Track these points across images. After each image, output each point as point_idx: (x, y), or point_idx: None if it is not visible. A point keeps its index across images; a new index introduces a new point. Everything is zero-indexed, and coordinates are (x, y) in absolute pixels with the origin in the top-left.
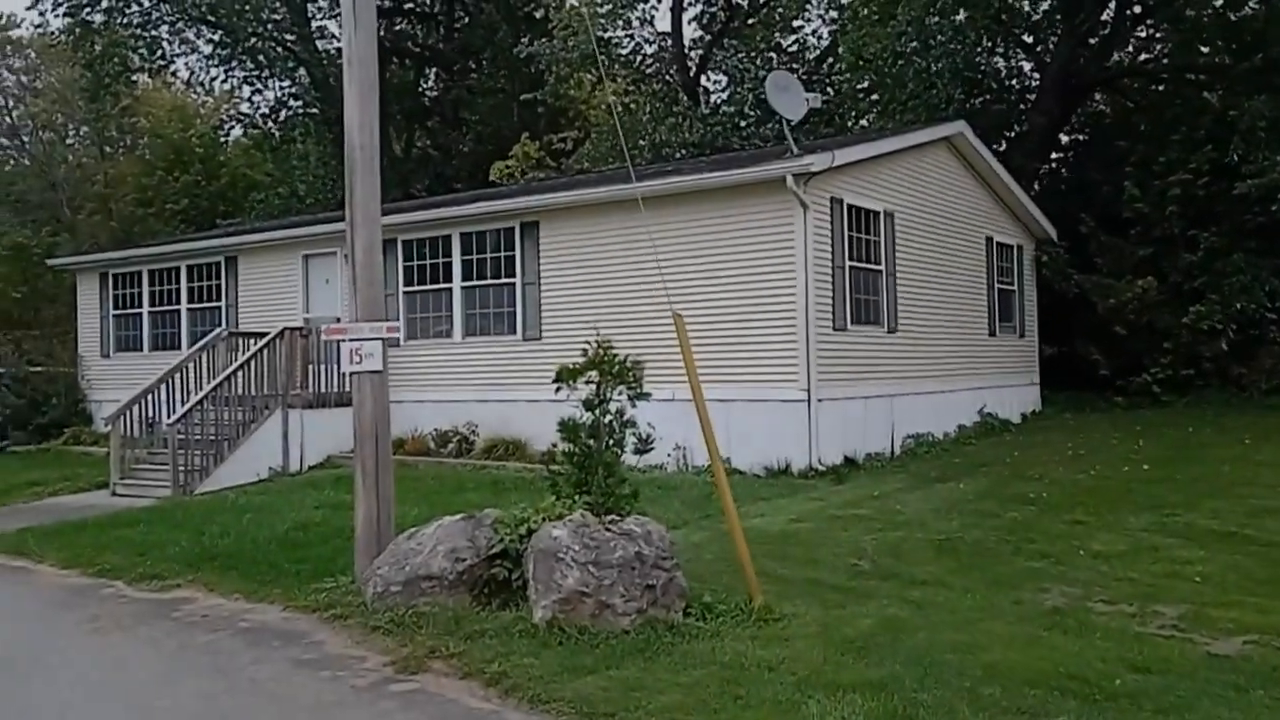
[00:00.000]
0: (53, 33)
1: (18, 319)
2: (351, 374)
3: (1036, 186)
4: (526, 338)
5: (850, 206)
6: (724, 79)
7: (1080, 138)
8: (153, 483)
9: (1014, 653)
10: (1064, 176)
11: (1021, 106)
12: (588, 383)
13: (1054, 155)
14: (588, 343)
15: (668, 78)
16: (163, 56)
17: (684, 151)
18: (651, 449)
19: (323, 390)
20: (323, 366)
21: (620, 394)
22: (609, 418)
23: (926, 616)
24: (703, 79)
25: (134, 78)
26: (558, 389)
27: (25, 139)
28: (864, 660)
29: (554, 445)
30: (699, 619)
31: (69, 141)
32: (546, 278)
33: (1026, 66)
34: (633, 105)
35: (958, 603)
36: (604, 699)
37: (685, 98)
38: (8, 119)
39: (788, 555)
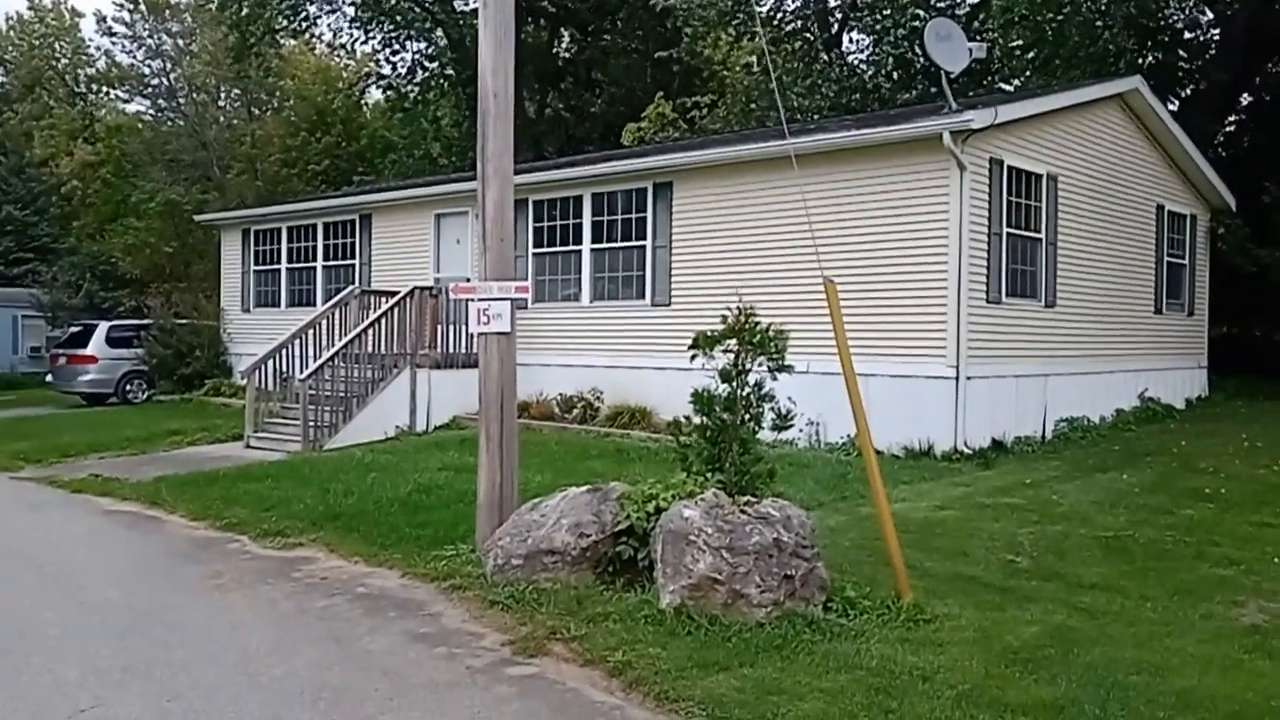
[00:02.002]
0: None
1: (169, 273)
2: (479, 335)
3: (1213, 151)
4: (655, 303)
5: (1010, 168)
6: (865, 39)
7: (1266, 98)
8: (285, 437)
9: (1212, 678)
10: (1245, 141)
11: (1198, 62)
12: (725, 351)
13: (1233, 117)
14: (727, 309)
15: (808, 35)
16: (306, 18)
17: (818, 115)
18: (791, 425)
19: (451, 350)
20: (452, 326)
21: (760, 365)
22: (746, 390)
23: (1101, 628)
24: (844, 39)
25: (279, 39)
26: (692, 357)
27: (180, 100)
28: (1032, 675)
29: (680, 416)
30: (841, 615)
31: (220, 103)
32: (678, 241)
33: (1204, 17)
34: (771, 65)
35: (1136, 613)
36: (737, 701)
37: (825, 57)
38: (165, 81)
39: (933, 546)
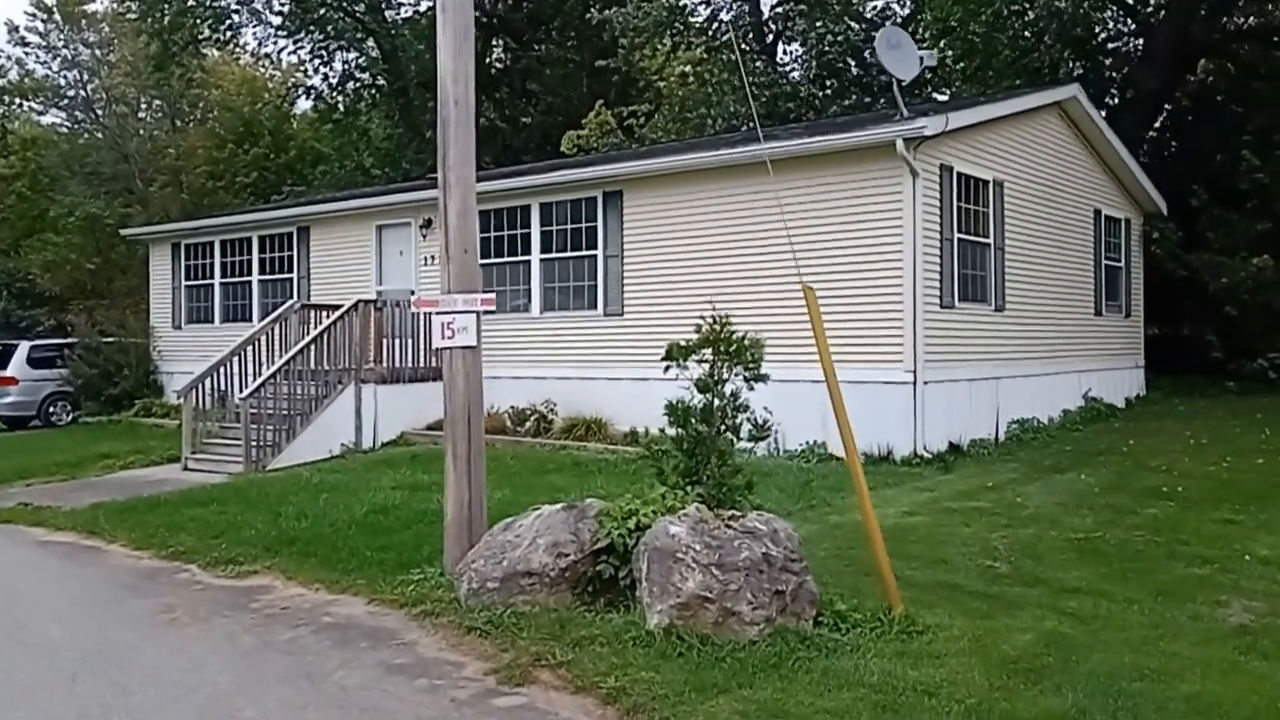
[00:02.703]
0: (124, 2)
1: (91, 289)
2: (443, 350)
3: (1143, 157)
4: (608, 313)
5: (959, 174)
6: (798, 49)
7: (1187, 104)
8: (225, 458)
9: (1214, 682)
10: (1172, 146)
11: (1124, 70)
12: (700, 361)
13: (1158, 124)
14: (681, 317)
15: (743, 47)
16: (230, 27)
17: (750, 124)
18: (768, 435)
19: (397, 365)
20: (397, 341)
21: (736, 375)
22: (722, 401)
23: (1094, 633)
24: (778, 49)
25: (202, 49)
26: (666, 368)
27: (99, 112)
28: (1036, 686)
29: (637, 426)
30: (832, 629)
31: (141, 115)
32: (630, 250)
33: (1126, 29)
34: (706, 75)
35: (1124, 617)
36: None
37: (760, 66)
38: (82, 92)
39: (910, 554)
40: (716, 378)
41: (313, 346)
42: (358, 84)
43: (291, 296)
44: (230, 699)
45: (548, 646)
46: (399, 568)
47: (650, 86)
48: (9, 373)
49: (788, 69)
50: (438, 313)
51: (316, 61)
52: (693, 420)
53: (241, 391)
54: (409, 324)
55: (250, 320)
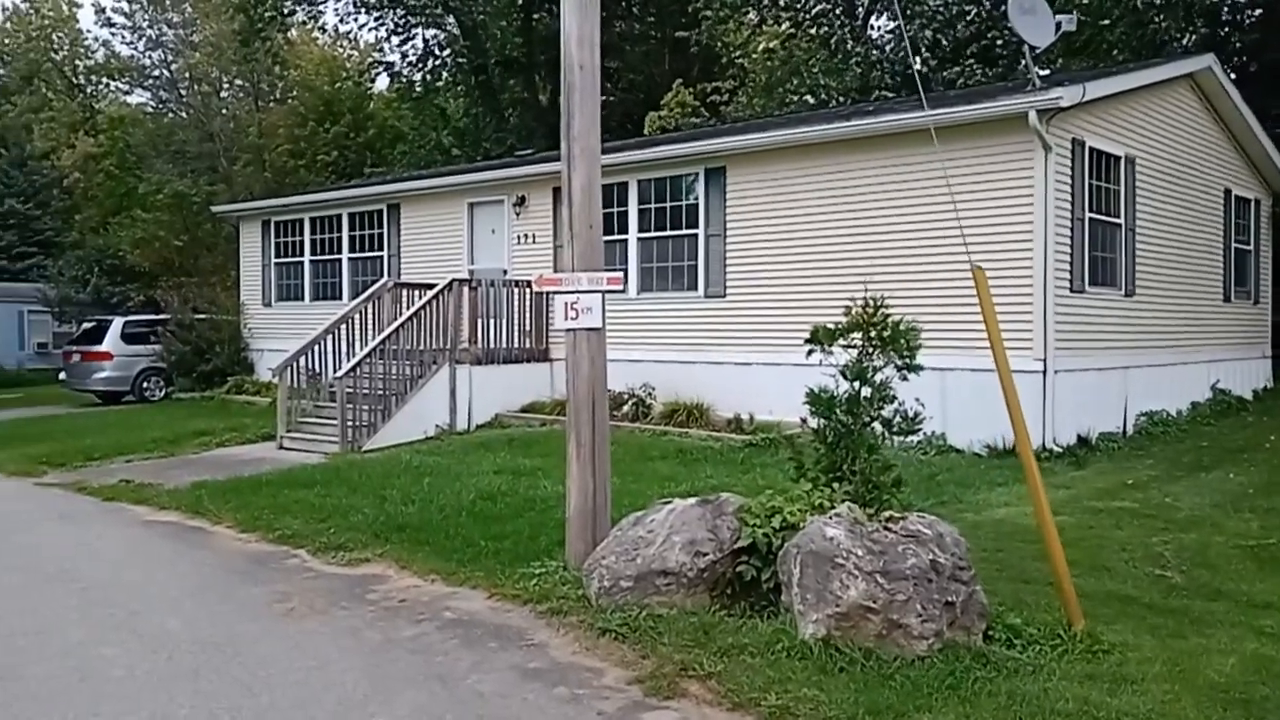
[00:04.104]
0: None
1: (178, 266)
2: (566, 331)
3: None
4: (709, 294)
5: (1092, 150)
6: (891, 23)
7: None
8: (320, 437)
9: None
10: None
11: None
12: (847, 347)
13: None
14: (786, 300)
15: (833, 18)
16: (313, 1)
17: (842, 99)
18: (919, 429)
19: (491, 346)
20: (492, 321)
21: (886, 362)
22: (870, 390)
23: None
24: (871, 22)
25: (286, 22)
26: (809, 353)
27: (183, 91)
28: None
29: (739, 413)
30: (1005, 645)
31: (223, 94)
32: (733, 229)
33: None
34: (797, 49)
35: None
36: None
37: (851, 40)
38: (166, 72)
39: (1067, 559)
40: (864, 365)
41: (407, 326)
42: (437, 61)
43: (381, 274)
44: (361, 704)
45: (693, 655)
46: (516, 559)
47: (734, 63)
48: (104, 348)
49: (883, 42)
50: (561, 292)
51: (396, 39)
52: (837, 411)
53: (335, 370)
54: (502, 304)
55: (340, 298)
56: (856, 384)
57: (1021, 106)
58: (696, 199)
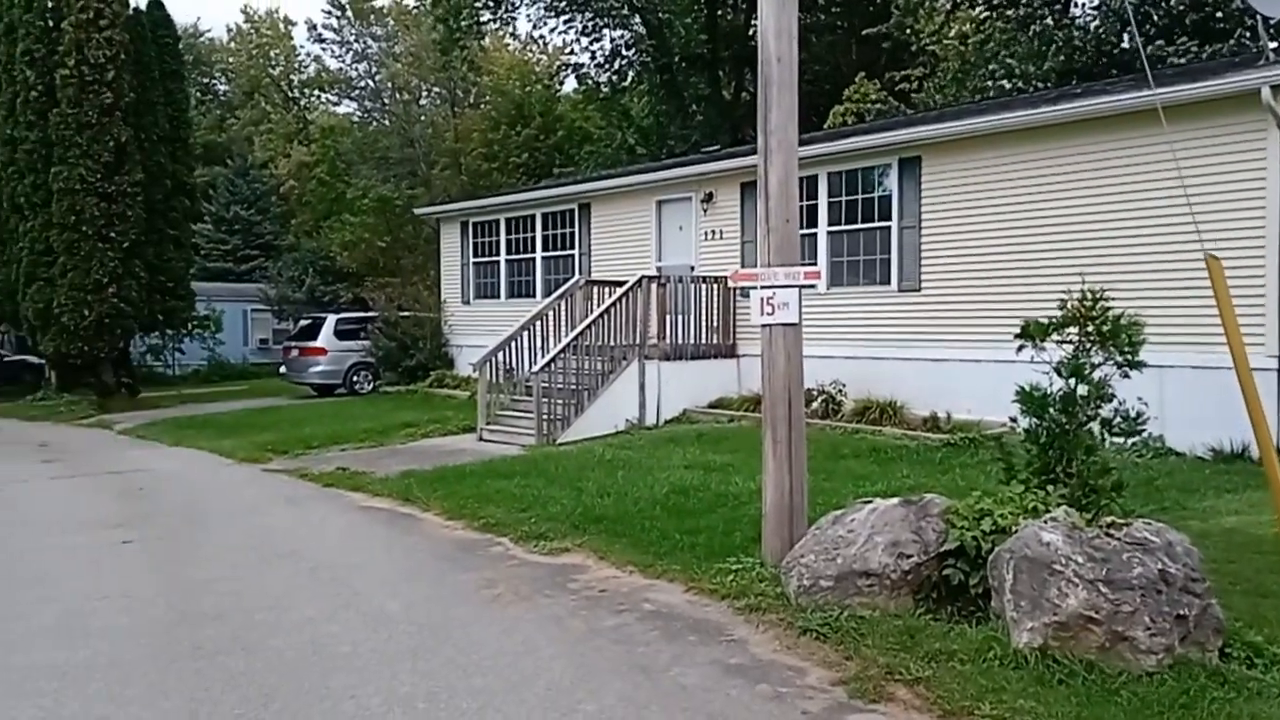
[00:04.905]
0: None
1: (382, 266)
2: (762, 326)
3: None
4: (902, 288)
5: None
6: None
7: None
8: (516, 430)
9: None
10: None
11: None
12: (1061, 342)
13: None
14: (985, 292)
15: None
16: (507, 8)
17: (1041, 84)
18: (1142, 430)
19: (679, 341)
20: (680, 317)
21: (1105, 358)
22: (1087, 388)
23: None
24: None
25: (483, 29)
26: (1020, 347)
27: (386, 100)
28: None
29: (935, 411)
30: (1244, 664)
31: (422, 102)
32: (929, 221)
33: None
34: (993, 34)
35: None
36: None
37: (1050, 20)
38: (371, 83)
39: None
40: (1082, 361)
41: (597, 322)
42: (623, 61)
43: (573, 272)
44: (569, 690)
45: (898, 658)
46: (711, 554)
47: (924, 50)
48: (319, 344)
49: (1086, 20)
50: (759, 287)
51: (585, 40)
52: (1050, 409)
53: (529, 366)
54: (690, 300)
55: (534, 296)
56: (1072, 381)
57: (1253, 82)
58: (889, 190)
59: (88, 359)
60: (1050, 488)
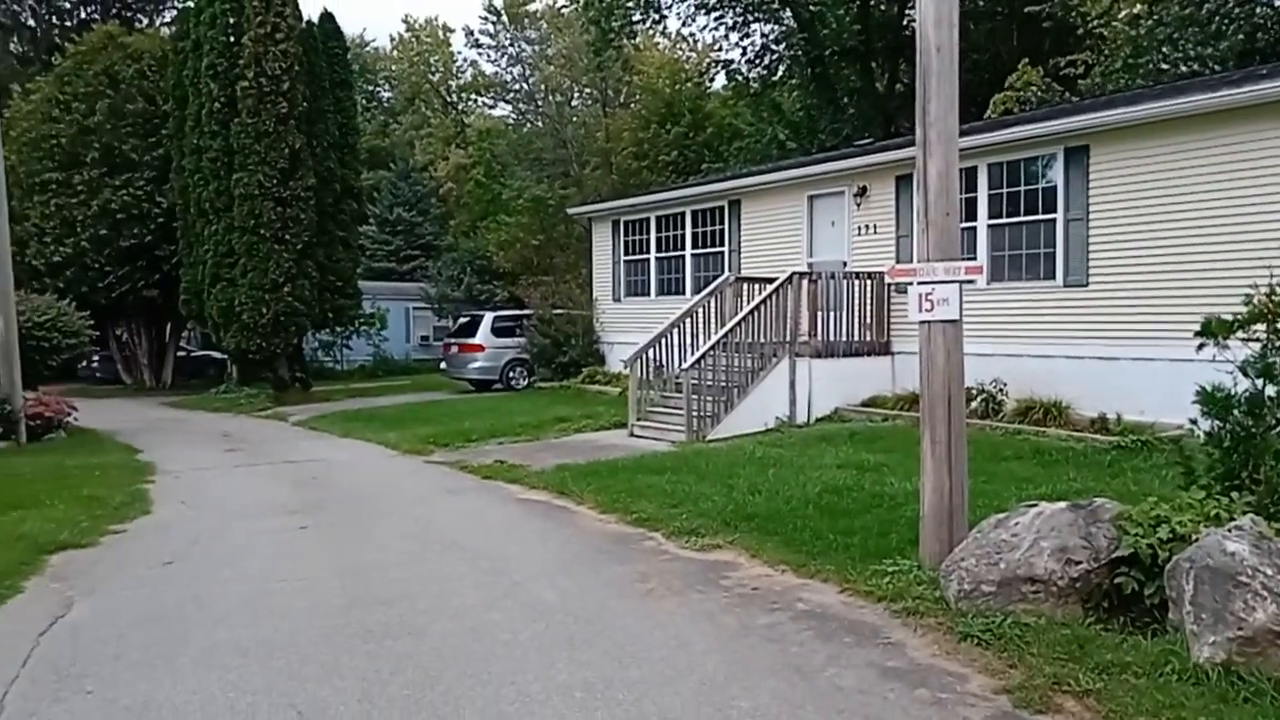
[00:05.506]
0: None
1: (535, 265)
2: (920, 323)
3: None
4: (1068, 283)
5: None
6: None
7: None
8: (666, 426)
9: None
10: None
11: None
12: (1248, 340)
13: None
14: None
15: None
16: (658, 7)
17: (1217, 67)
18: None
19: (831, 339)
20: (831, 314)
21: None
22: (1276, 389)
23: None
24: None
25: (635, 29)
26: (1200, 345)
27: (539, 102)
28: None
29: (1104, 412)
30: None
31: (574, 104)
32: (1097, 213)
33: None
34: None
35: None
36: None
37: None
38: (525, 85)
39: None
40: (1273, 360)
41: (747, 319)
42: (774, 56)
43: (722, 269)
44: (722, 686)
45: (1067, 669)
46: (866, 555)
47: (1091, 34)
48: (477, 340)
49: None
50: (917, 283)
51: (734, 36)
52: (1235, 411)
53: (679, 363)
54: (842, 296)
55: (683, 293)
56: (1260, 382)
57: None
58: (1054, 182)
59: (265, 354)
60: (1234, 495)
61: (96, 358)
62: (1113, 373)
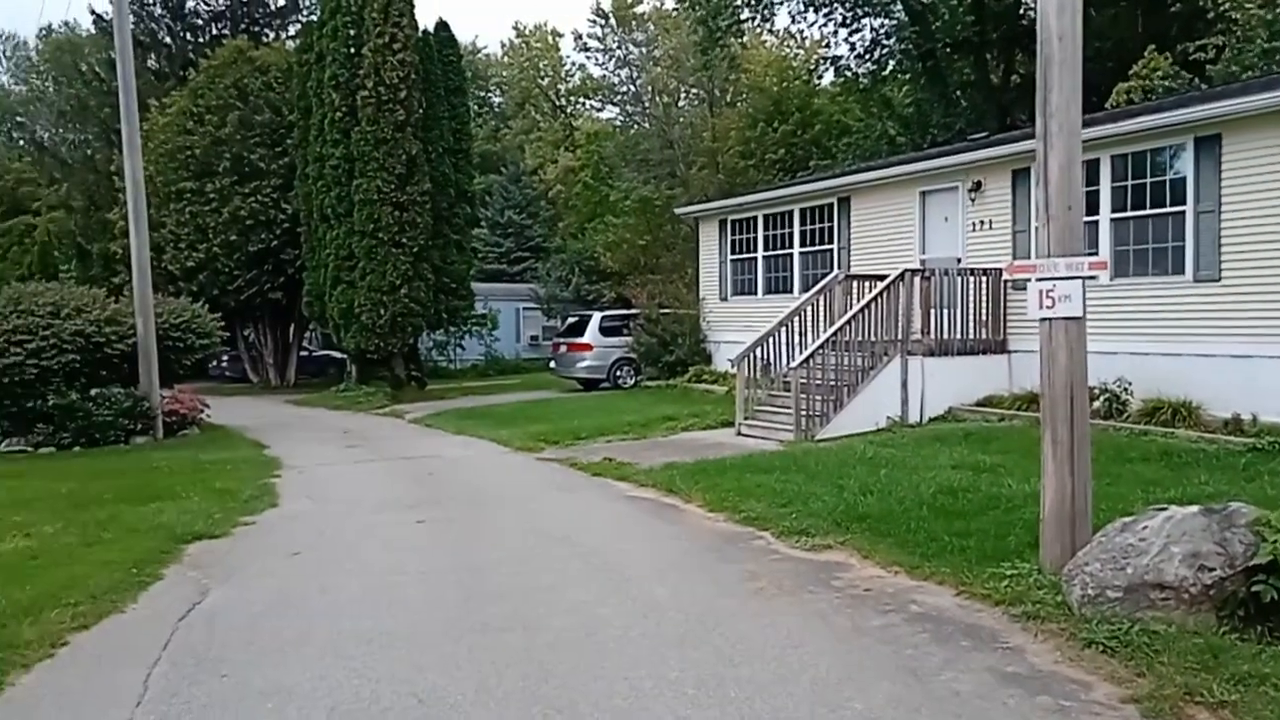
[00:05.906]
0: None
1: (642, 265)
2: (1040, 321)
3: None
4: (1199, 278)
5: None
6: None
7: None
8: (774, 425)
9: None
10: None
11: None
12: None
13: None
14: None
15: None
16: (767, 5)
17: None
18: None
19: (944, 337)
20: (945, 311)
21: None
22: None
23: None
24: None
25: (742, 28)
26: None
27: (646, 104)
28: None
29: (1237, 413)
30: None
31: (681, 104)
32: (1230, 205)
33: None
34: None
35: None
36: None
37: None
38: (632, 87)
39: None
40: None
41: (857, 317)
42: (884, 50)
43: (831, 267)
44: (835, 686)
45: (1199, 679)
46: (983, 558)
47: (1222, 17)
48: (585, 340)
49: None
50: (1036, 279)
51: (843, 31)
52: None
53: (787, 361)
54: (956, 293)
55: (791, 291)
56: None
57: None
58: (1182, 173)
59: (382, 354)
60: None
61: (226, 357)
62: (1249, 371)
